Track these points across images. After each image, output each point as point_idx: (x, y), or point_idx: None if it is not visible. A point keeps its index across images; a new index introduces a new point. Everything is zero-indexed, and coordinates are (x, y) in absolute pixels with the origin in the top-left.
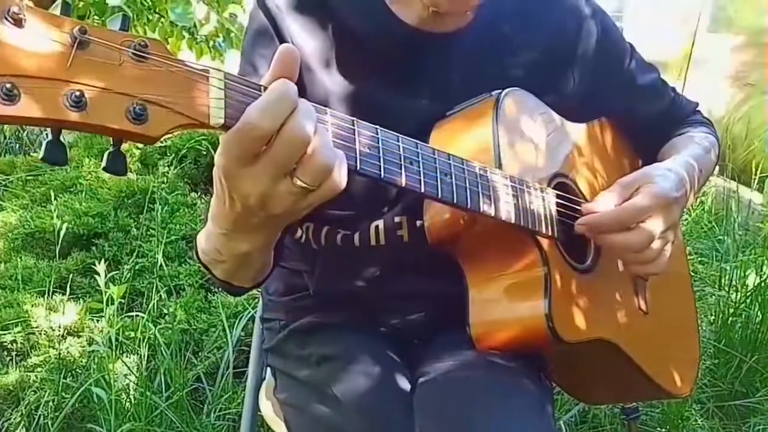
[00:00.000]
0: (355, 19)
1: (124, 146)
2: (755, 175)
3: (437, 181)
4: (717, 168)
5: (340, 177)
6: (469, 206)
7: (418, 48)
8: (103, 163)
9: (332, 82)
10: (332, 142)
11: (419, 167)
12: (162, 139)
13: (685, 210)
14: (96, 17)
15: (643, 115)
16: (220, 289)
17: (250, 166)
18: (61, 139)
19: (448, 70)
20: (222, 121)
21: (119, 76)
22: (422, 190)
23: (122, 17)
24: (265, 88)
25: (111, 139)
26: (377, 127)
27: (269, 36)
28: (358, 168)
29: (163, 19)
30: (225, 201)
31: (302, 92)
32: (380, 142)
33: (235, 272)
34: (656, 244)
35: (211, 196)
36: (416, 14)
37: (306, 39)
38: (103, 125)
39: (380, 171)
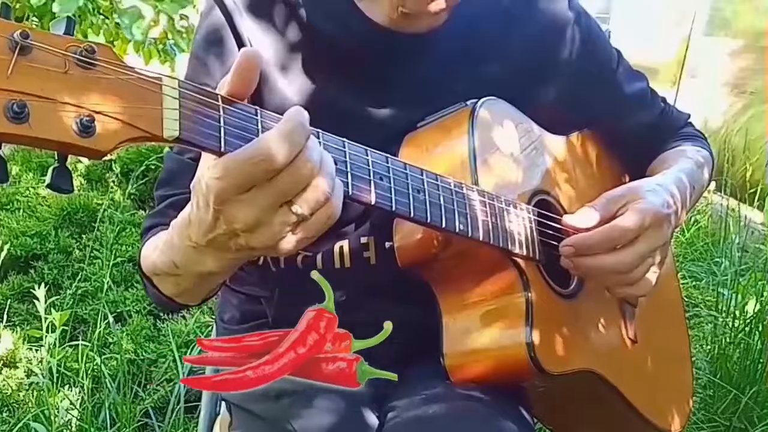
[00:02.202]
0: (319, 16)
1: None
2: (752, 191)
3: (409, 199)
4: (713, 184)
5: (337, 206)
6: (443, 226)
7: (387, 49)
8: (47, 180)
9: (292, 88)
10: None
11: (390, 183)
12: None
13: (675, 228)
14: (35, 19)
15: (630, 127)
16: (155, 304)
17: (249, 192)
18: (1, 154)
19: (420, 75)
20: (177, 133)
21: (65, 84)
22: (393, 209)
23: (67, 20)
24: (224, 99)
25: (55, 154)
26: (344, 139)
27: (224, 36)
28: None
29: (107, 21)
30: (207, 220)
31: (258, 100)
32: (347, 156)
33: (188, 289)
34: (644, 265)
35: None
36: (385, 13)
37: (264, 40)
38: (48, 138)
39: (348, 188)
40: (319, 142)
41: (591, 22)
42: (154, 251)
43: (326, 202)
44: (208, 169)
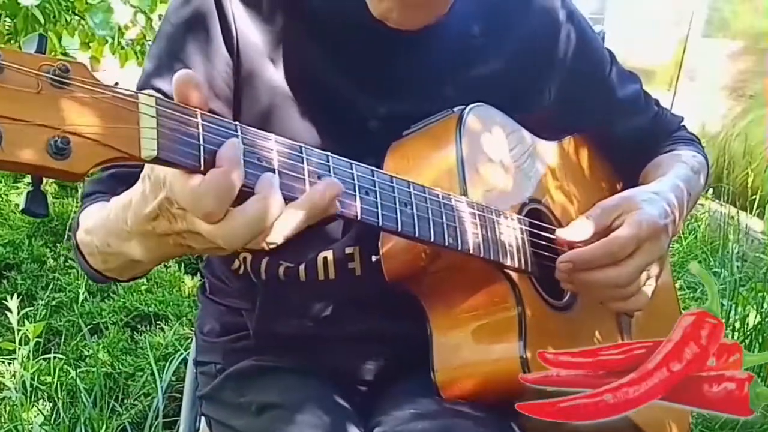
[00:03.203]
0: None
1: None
2: (752, 198)
3: (396, 213)
4: (711, 191)
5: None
6: (432, 239)
7: (378, 41)
8: (22, 205)
9: (280, 77)
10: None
11: (376, 197)
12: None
13: (672, 237)
14: (8, 20)
15: (623, 132)
16: (83, 271)
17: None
18: None
19: (409, 70)
20: (154, 153)
21: (38, 105)
22: (380, 224)
23: (39, 38)
24: (203, 115)
25: (30, 177)
26: (328, 153)
27: (210, 24)
28: None
29: (83, 22)
30: (149, 205)
31: (242, 97)
32: (331, 171)
33: (114, 269)
34: (640, 279)
35: None
36: (379, 7)
37: (253, 27)
38: (21, 162)
39: None
40: (302, 157)
41: (583, 22)
42: (90, 222)
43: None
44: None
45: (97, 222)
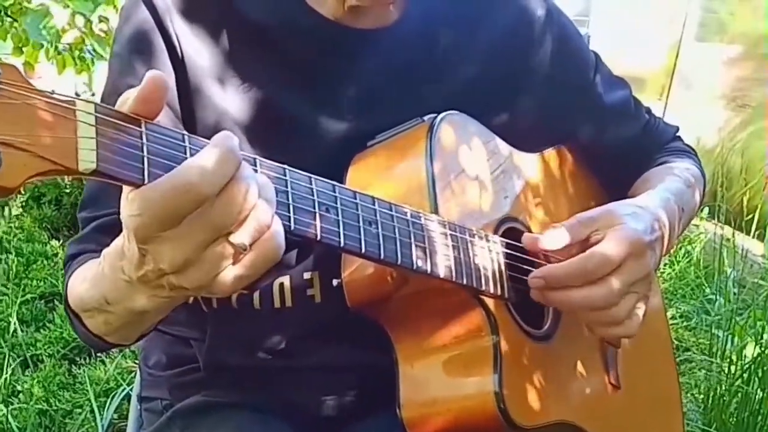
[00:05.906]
0: (259, 11)
1: None
2: (750, 218)
3: (360, 233)
4: (707, 210)
5: (280, 240)
6: (399, 262)
7: (334, 45)
8: None
9: (231, 99)
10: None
11: (338, 215)
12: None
13: (661, 257)
14: None
15: (610, 142)
16: (84, 343)
17: (176, 228)
18: None
19: (371, 76)
20: (93, 165)
21: None
22: (341, 244)
23: None
24: (147, 124)
25: None
26: (284, 166)
27: (153, 38)
28: None
29: (16, 24)
30: (136, 255)
31: (191, 117)
32: (289, 185)
33: (120, 328)
34: (627, 301)
35: None
36: (331, 6)
37: (198, 46)
38: None
39: (290, 222)
40: (255, 170)
41: (564, 20)
42: (82, 283)
43: (267, 232)
44: (126, 203)
45: (91, 280)
